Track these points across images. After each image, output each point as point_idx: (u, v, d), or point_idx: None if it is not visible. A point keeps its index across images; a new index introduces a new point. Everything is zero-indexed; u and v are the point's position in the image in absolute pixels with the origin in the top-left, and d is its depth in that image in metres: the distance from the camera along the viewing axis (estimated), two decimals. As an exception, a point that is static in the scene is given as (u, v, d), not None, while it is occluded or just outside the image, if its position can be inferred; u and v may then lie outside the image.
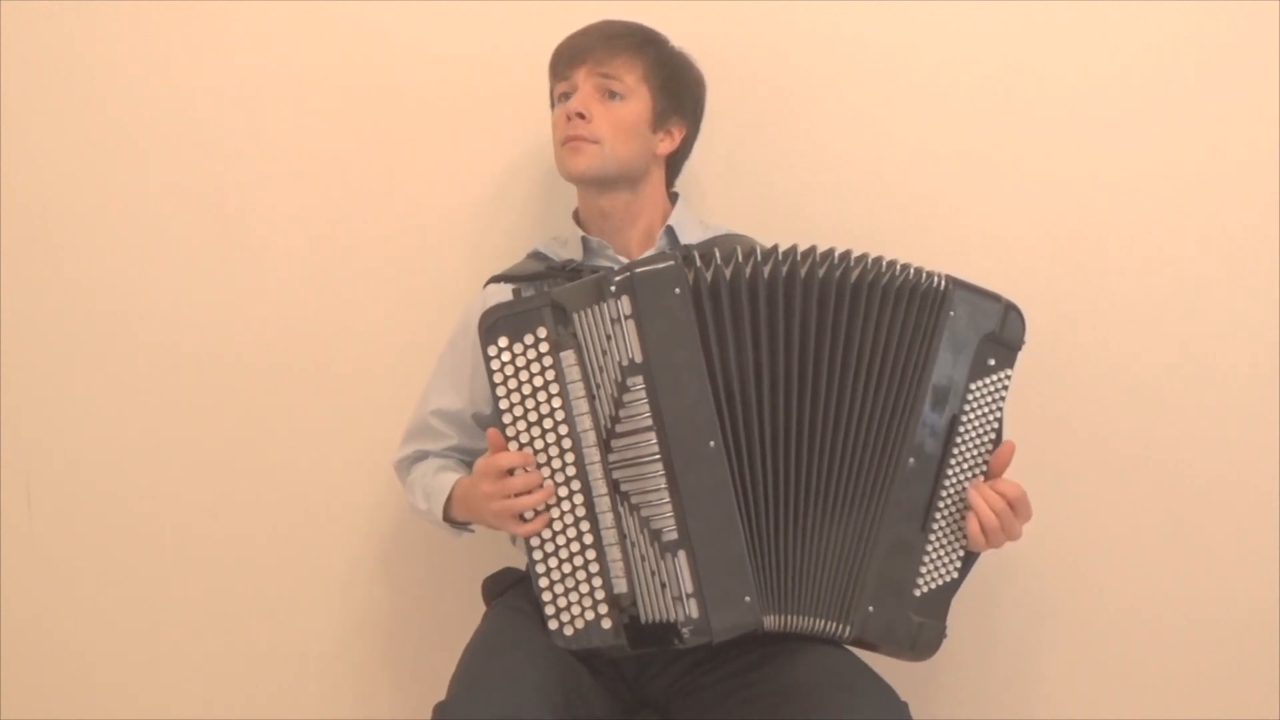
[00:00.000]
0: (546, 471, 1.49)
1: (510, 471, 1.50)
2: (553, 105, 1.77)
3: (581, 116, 1.68)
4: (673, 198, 1.81)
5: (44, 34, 2.01)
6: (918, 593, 1.53)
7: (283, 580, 2.06)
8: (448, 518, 1.69)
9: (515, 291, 1.52)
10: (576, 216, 1.80)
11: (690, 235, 1.76)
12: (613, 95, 1.69)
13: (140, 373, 2.03)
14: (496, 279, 1.78)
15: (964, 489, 1.55)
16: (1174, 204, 1.96)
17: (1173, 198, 1.96)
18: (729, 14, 1.95)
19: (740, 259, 1.49)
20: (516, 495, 1.49)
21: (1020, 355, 1.58)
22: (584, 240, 1.75)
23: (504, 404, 1.49)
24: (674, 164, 1.82)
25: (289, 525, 2.05)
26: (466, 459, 1.77)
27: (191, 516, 2.05)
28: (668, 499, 1.46)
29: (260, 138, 2.01)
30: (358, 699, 2.08)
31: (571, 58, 1.71)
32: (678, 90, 1.75)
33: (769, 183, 1.99)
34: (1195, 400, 1.97)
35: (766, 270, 1.49)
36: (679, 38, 1.80)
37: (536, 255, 1.79)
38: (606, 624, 1.49)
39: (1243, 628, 1.99)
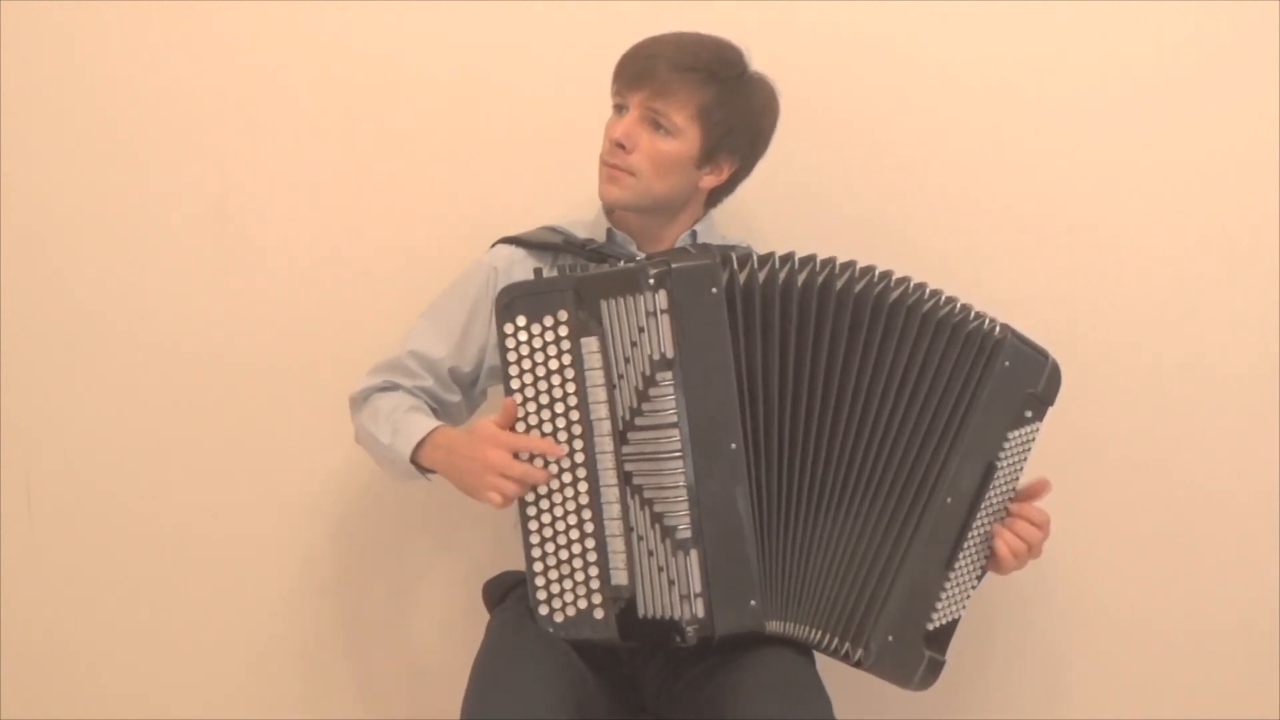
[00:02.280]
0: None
1: (530, 458, 1.47)
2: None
3: (622, 147, 1.64)
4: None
5: (44, 34, 2.00)
6: (931, 627, 1.55)
7: (283, 580, 2.06)
8: (413, 460, 1.63)
9: (536, 272, 1.49)
10: (608, 209, 1.76)
11: (710, 241, 1.74)
12: (659, 127, 1.64)
13: (140, 373, 2.03)
14: (507, 240, 1.76)
15: (986, 532, 1.58)
16: (1174, 204, 1.96)
17: (1173, 198, 1.96)
18: (738, 19, 1.94)
19: (777, 264, 1.48)
20: (514, 478, 1.46)
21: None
22: (610, 232, 1.74)
23: (515, 384, 1.47)
24: (721, 191, 1.75)
25: (289, 526, 2.05)
26: (434, 405, 1.74)
27: (191, 517, 2.05)
28: (685, 496, 1.44)
29: (261, 140, 2.01)
30: (357, 699, 2.08)
31: (632, 78, 1.65)
32: (734, 128, 1.67)
33: (765, 191, 1.98)
34: (1195, 400, 1.97)
35: (801, 278, 1.49)
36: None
37: (552, 229, 1.76)
38: (599, 614, 1.47)
39: (1243, 628, 1.99)
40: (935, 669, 1.56)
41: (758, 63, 1.71)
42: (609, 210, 1.75)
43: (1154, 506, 1.99)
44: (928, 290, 1.54)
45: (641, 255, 1.70)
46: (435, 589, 2.05)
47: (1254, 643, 1.99)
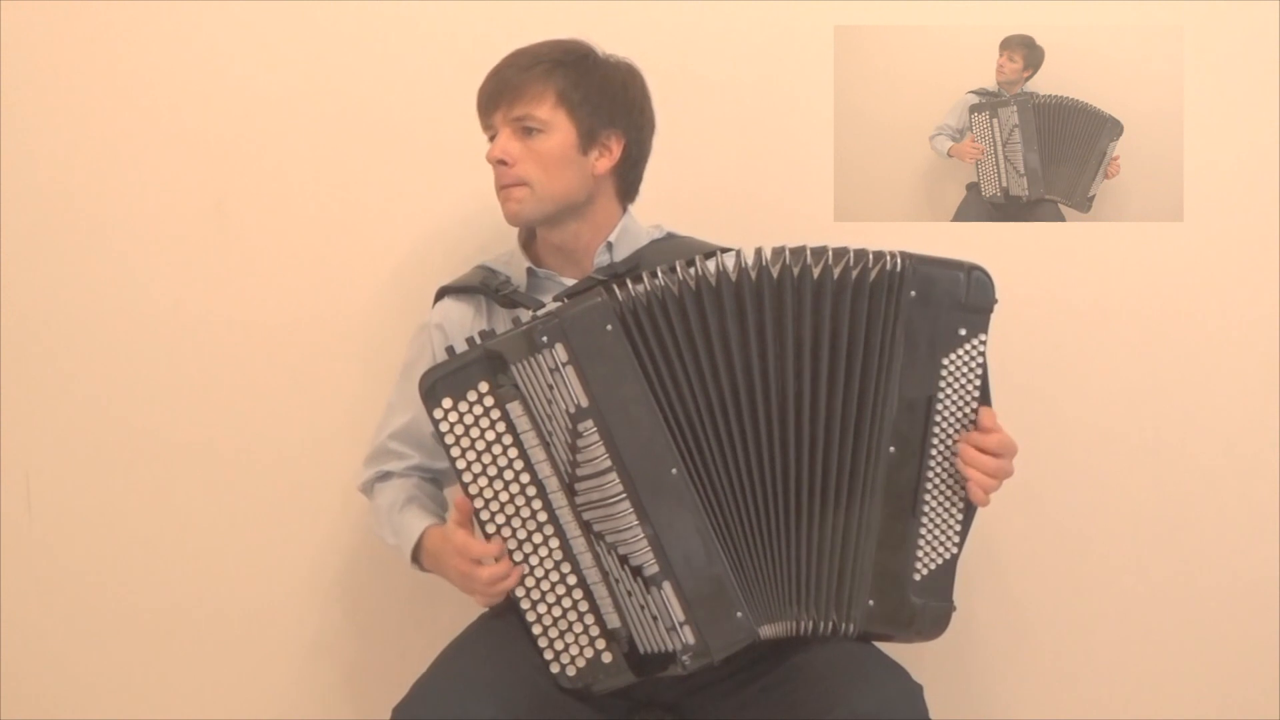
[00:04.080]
0: (517, 522, 1.49)
1: (480, 560, 1.50)
2: None
3: (504, 163, 1.63)
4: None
5: (44, 34, 2.00)
6: (918, 576, 1.53)
7: (283, 581, 2.06)
8: (415, 560, 1.67)
9: (449, 350, 1.50)
10: (525, 243, 1.75)
11: (630, 247, 1.71)
12: (530, 131, 1.63)
13: (140, 373, 2.03)
14: (447, 290, 1.75)
15: (948, 466, 1.53)
16: (1174, 203, 1.96)
17: (1172, 197, 1.96)
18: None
19: (666, 273, 1.47)
20: (488, 581, 1.49)
21: (1003, 320, 1.54)
22: (530, 271, 1.72)
23: (460, 463, 1.48)
24: (625, 175, 1.71)
25: (290, 526, 2.05)
26: (427, 477, 1.77)
27: (191, 516, 2.05)
28: (642, 535, 1.47)
29: (260, 140, 2.01)
30: (357, 701, 2.08)
31: (487, 102, 1.66)
32: (602, 103, 1.66)
33: (751, 186, 1.99)
34: (1195, 400, 1.97)
35: (693, 282, 1.47)
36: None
37: (483, 269, 1.76)
38: (607, 658, 1.50)
39: (1243, 627, 1.99)
40: (937, 616, 1.53)
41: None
42: (525, 242, 1.74)
43: (1154, 506, 1.99)
44: (809, 253, 1.49)
45: (567, 282, 1.68)
46: (441, 593, 2.04)
47: (1254, 643, 1.99)
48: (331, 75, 2.00)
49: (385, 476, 1.77)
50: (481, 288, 1.71)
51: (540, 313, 1.53)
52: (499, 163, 1.64)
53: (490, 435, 1.48)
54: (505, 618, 1.60)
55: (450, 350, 1.50)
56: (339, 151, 2.01)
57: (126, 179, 2.01)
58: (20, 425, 2.05)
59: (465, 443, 1.48)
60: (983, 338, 1.52)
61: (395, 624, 2.06)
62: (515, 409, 1.47)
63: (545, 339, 1.46)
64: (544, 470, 1.48)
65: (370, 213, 2.01)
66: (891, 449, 1.51)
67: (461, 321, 1.71)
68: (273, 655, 2.07)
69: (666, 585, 1.47)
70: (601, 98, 1.66)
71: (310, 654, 2.07)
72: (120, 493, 2.05)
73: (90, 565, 2.05)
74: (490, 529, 1.49)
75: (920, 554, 1.53)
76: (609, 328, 1.46)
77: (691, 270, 1.48)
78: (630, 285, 1.48)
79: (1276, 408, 1.96)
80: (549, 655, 1.51)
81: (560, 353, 1.46)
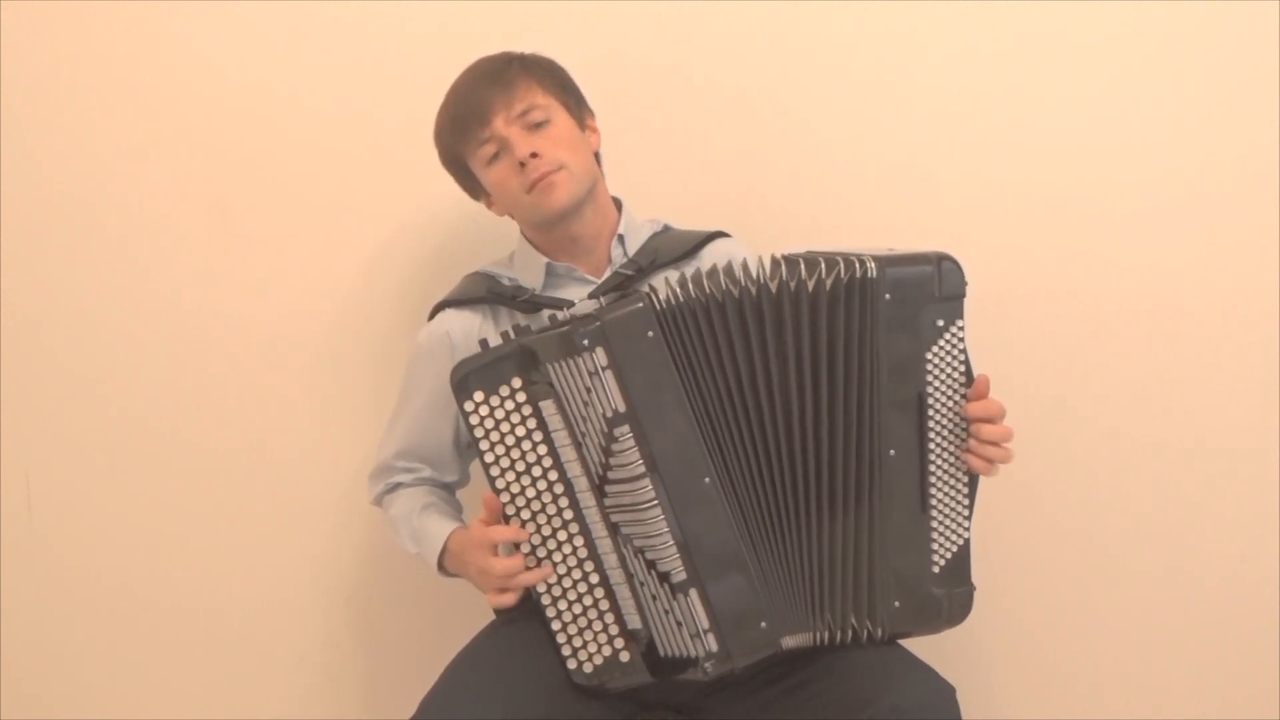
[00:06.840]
0: (543, 518, 1.48)
1: (502, 549, 1.49)
2: (468, 175, 1.72)
3: (535, 155, 1.62)
4: (617, 204, 1.76)
5: (44, 34, 2.00)
6: (936, 569, 1.53)
7: (283, 580, 2.06)
8: (440, 566, 1.67)
9: (483, 343, 1.49)
10: (529, 242, 1.74)
11: (636, 240, 1.73)
12: (539, 125, 1.64)
13: (140, 371, 2.03)
14: (447, 304, 1.73)
15: (949, 455, 1.53)
16: (1174, 203, 1.96)
17: (1173, 197, 1.96)
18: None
19: (695, 283, 1.47)
20: (502, 574, 1.49)
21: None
22: (549, 266, 1.70)
23: (489, 457, 1.48)
24: (599, 157, 1.75)
25: (291, 525, 2.05)
26: (439, 485, 1.76)
27: (192, 517, 2.05)
28: (671, 542, 1.47)
29: (261, 140, 2.01)
30: (359, 702, 2.08)
31: (479, 116, 1.64)
32: (569, 85, 1.71)
33: (751, 183, 1.99)
34: (1195, 399, 1.97)
35: (720, 294, 1.47)
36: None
37: (481, 276, 1.75)
38: (625, 657, 1.50)
39: (1243, 627, 1.99)
40: (961, 601, 1.54)
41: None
42: (548, 231, 1.70)
43: (1154, 506, 1.99)
44: (802, 267, 1.49)
45: (593, 280, 1.68)
46: (443, 594, 2.04)
47: (1254, 643, 1.99)
48: (333, 74, 2.00)
49: (395, 488, 1.76)
50: (490, 297, 1.70)
51: (578, 313, 1.51)
52: (531, 156, 1.62)
53: (521, 431, 1.47)
54: (512, 625, 1.61)
55: (484, 344, 1.49)
56: (340, 151, 2.01)
57: (127, 178, 2.02)
58: (20, 425, 2.05)
59: (495, 436, 1.47)
60: (960, 324, 1.51)
61: (398, 623, 2.07)
62: (549, 407, 1.47)
63: (586, 342, 1.45)
64: (574, 470, 1.48)
65: (372, 211, 2.01)
66: (892, 452, 1.51)
67: (467, 331, 1.69)
68: (273, 656, 2.07)
69: (693, 592, 1.47)
70: (566, 82, 1.71)
71: (311, 655, 2.07)
72: (120, 492, 2.05)
73: (90, 564, 2.06)
74: (515, 524, 1.49)
75: (935, 546, 1.54)
76: (650, 334, 1.46)
77: (723, 280, 1.48)
78: (668, 291, 1.48)
79: (1276, 407, 1.96)
80: (566, 651, 1.50)
81: (600, 357, 1.45)
